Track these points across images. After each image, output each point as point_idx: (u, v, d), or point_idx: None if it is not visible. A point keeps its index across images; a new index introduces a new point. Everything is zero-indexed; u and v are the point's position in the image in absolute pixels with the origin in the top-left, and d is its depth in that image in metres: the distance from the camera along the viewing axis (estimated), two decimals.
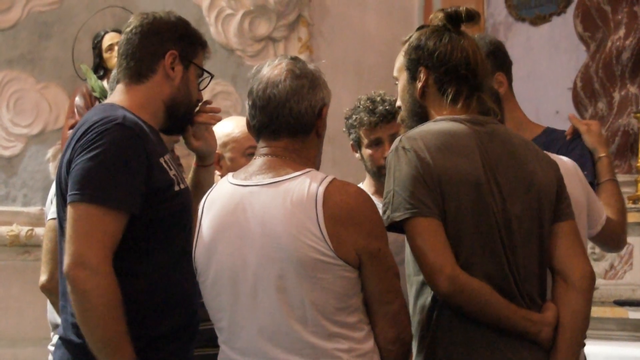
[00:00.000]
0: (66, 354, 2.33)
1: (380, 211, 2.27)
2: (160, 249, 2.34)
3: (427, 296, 2.29)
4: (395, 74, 2.48)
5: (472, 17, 2.40)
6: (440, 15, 2.42)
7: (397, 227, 2.27)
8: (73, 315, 2.26)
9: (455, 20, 2.39)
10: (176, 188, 2.37)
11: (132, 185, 2.27)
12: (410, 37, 2.43)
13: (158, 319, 2.33)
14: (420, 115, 2.41)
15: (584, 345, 2.40)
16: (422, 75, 2.39)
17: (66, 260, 2.23)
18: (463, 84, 2.36)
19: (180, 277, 2.32)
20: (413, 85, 2.41)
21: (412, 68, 2.40)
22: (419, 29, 2.44)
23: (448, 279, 2.21)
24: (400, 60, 2.45)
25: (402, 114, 2.47)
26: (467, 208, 2.26)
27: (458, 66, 2.35)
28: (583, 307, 2.33)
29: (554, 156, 2.67)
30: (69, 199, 2.27)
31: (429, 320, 2.29)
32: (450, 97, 2.36)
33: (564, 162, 2.75)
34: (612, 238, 2.99)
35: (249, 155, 2.94)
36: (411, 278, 2.33)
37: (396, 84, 2.48)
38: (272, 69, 2.27)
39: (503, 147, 2.35)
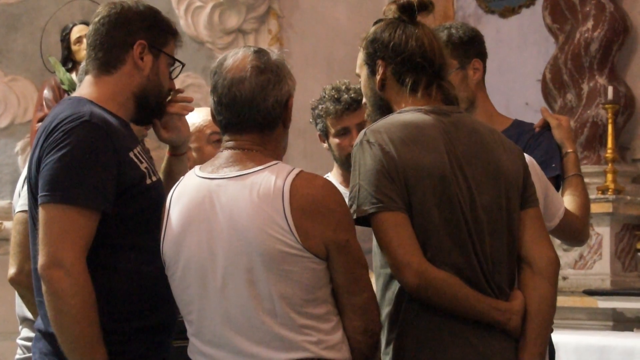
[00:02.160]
0: (47, 346, 2.32)
1: (347, 203, 2.27)
2: (136, 243, 2.33)
3: (395, 289, 2.30)
4: (357, 70, 2.49)
5: (425, 6, 2.40)
6: (394, 7, 2.42)
7: (363, 220, 2.28)
8: None
9: (408, 10, 2.39)
10: (148, 181, 2.36)
11: (102, 183, 2.26)
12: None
13: (136, 313, 2.32)
14: (382, 108, 2.42)
15: (551, 331, 2.42)
16: (380, 68, 2.39)
17: (40, 260, 2.22)
18: (421, 73, 2.36)
19: (157, 270, 2.31)
20: (373, 79, 2.41)
21: (370, 62, 2.41)
22: (375, 23, 2.45)
23: (415, 273, 2.22)
24: (359, 56, 2.46)
25: (368, 109, 2.47)
26: (432, 200, 2.26)
27: (413, 55, 2.35)
28: (549, 293, 2.34)
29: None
30: (40, 199, 2.26)
31: (397, 313, 2.29)
32: (409, 87, 2.36)
33: None
34: (571, 231, 3.02)
35: (215, 142, 2.94)
36: (378, 270, 2.33)
37: (360, 81, 2.49)
38: (235, 62, 2.25)
39: (469, 137, 2.35)
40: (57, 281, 2.19)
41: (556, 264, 2.37)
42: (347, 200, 2.29)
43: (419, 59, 2.35)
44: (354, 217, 2.26)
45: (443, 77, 2.40)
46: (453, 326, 2.26)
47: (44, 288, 2.22)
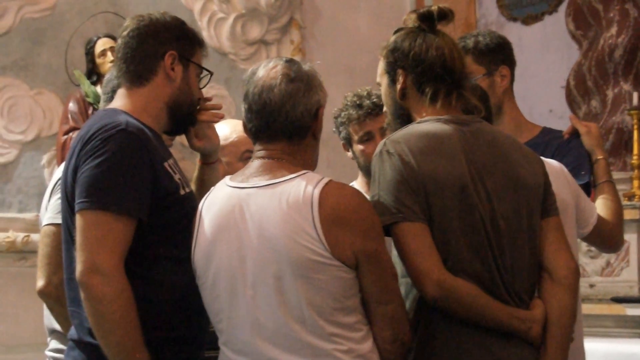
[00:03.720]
0: (81, 355, 2.33)
1: None
2: (169, 253, 2.34)
3: (415, 298, 2.30)
4: (377, 79, 2.50)
5: (445, 15, 2.40)
6: (414, 16, 2.43)
7: (384, 231, 2.27)
8: (88, 319, 2.26)
9: (428, 19, 2.40)
10: (182, 192, 2.37)
11: (139, 191, 2.28)
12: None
13: (169, 323, 2.33)
14: (403, 117, 2.42)
15: (572, 340, 2.41)
16: (400, 78, 2.40)
17: (79, 267, 2.24)
18: (440, 83, 2.37)
19: (190, 281, 2.32)
20: (393, 88, 2.42)
21: (391, 71, 2.42)
22: (395, 32, 2.45)
23: (435, 283, 2.22)
24: (380, 65, 2.47)
25: (388, 117, 2.48)
26: (452, 210, 2.26)
27: (433, 65, 2.36)
28: (569, 303, 2.34)
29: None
30: (77, 207, 2.28)
31: (417, 322, 2.29)
32: (429, 96, 2.37)
33: (550, 164, 2.77)
34: (605, 238, 3.01)
35: (246, 159, 2.94)
36: (399, 280, 2.33)
37: (380, 89, 2.50)
38: (267, 71, 2.27)
39: (488, 146, 2.35)
40: (96, 287, 2.21)
41: (576, 273, 2.38)
42: None
43: (439, 68, 2.36)
44: None
45: (463, 86, 2.41)
46: (473, 335, 2.26)
47: (83, 295, 2.24)
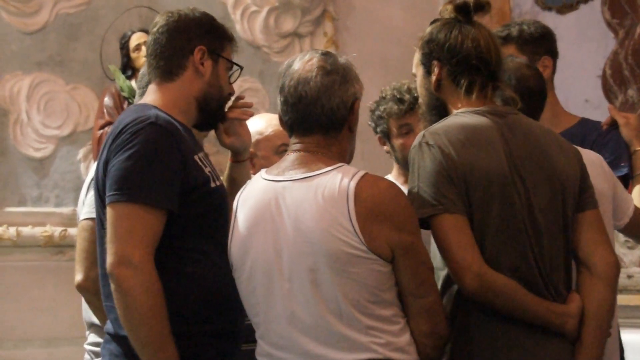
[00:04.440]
0: (117, 348, 2.35)
1: None
2: (200, 246, 2.35)
3: (452, 291, 2.30)
4: (413, 70, 2.49)
5: (482, 6, 2.39)
6: (450, 7, 2.42)
7: (422, 223, 2.27)
8: None
9: (464, 10, 2.39)
10: (212, 185, 2.38)
11: (170, 183, 2.29)
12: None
13: (200, 317, 2.34)
14: (438, 108, 2.42)
15: (609, 335, 2.40)
16: (435, 69, 2.39)
17: (109, 259, 2.25)
18: (476, 74, 2.36)
19: (222, 274, 2.33)
20: (428, 80, 2.42)
21: (426, 62, 2.41)
22: (431, 23, 2.45)
23: (475, 276, 2.21)
24: (416, 56, 2.46)
25: (422, 108, 2.48)
26: (492, 203, 2.25)
27: (469, 56, 2.35)
28: (608, 297, 2.33)
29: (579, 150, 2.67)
30: (108, 199, 2.30)
31: (454, 315, 2.29)
32: (464, 88, 2.36)
33: (588, 155, 2.75)
34: None
35: (282, 152, 2.94)
36: (437, 272, 2.33)
37: (415, 81, 2.49)
38: (303, 64, 2.27)
39: (525, 138, 2.34)
40: (125, 279, 2.22)
41: (616, 268, 2.36)
42: None
43: (475, 60, 2.35)
44: None
45: (498, 77, 2.39)
46: (509, 330, 2.25)
47: (112, 286, 2.25)
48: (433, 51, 2.39)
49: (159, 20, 2.49)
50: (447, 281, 2.31)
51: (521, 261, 2.26)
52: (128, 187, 2.27)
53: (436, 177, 2.25)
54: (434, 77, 2.40)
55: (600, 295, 2.32)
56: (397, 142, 3.17)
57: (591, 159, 2.74)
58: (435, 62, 2.39)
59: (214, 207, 2.36)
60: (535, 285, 2.27)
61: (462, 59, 2.36)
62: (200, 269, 2.35)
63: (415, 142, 2.32)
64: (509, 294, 2.23)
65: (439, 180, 2.25)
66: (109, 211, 2.29)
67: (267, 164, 2.85)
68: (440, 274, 2.32)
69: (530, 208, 2.28)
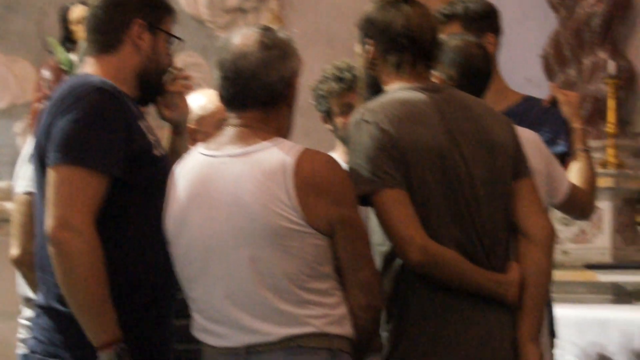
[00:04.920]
0: (49, 322, 2.33)
1: None
2: (142, 215, 2.33)
3: (394, 266, 2.31)
4: (356, 49, 2.51)
5: None
6: None
7: (362, 200, 2.28)
8: (57, 285, 2.25)
9: None
10: (155, 152, 2.37)
11: (112, 147, 2.27)
12: None
13: (140, 286, 2.33)
14: (373, 86, 2.44)
15: (548, 300, 2.45)
16: (369, 47, 2.42)
17: (49, 222, 2.22)
18: (405, 52, 2.38)
19: (162, 241, 2.31)
20: (364, 58, 2.44)
21: (362, 40, 2.44)
22: (374, 3, 2.47)
23: (419, 249, 2.23)
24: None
25: (359, 86, 2.51)
26: (432, 177, 2.28)
27: (398, 35, 2.38)
28: (545, 263, 2.37)
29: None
30: (49, 161, 2.26)
31: (397, 290, 2.31)
32: (393, 65, 2.39)
33: (524, 133, 2.79)
34: (577, 206, 3.04)
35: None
36: (375, 248, 2.34)
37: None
38: (242, 39, 2.25)
39: (462, 112, 2.37)
40: (66, 243, 2.20)
41: (552, 233, 2.41)
42: None
43: (403, 39, 2.38)
44: None
45: (432, 56, 2.42)
46: (452, 301, 2.28)
47: (52, 250, 2.22)
48: (368, 30, 2.43)
49: None
50: (387, 257, 2.33)
51: (462, 234, 2.29)
52: (71, 149, 2.24)
53: (374, 153, 2.26)
54: (368, 56, 2.42)
55: (537, 261, 2.36)
56: (339, 120, 3.19)
57: (527, 137, 2.78)
58: (369, 41, 2.42)
59: (157, 174, 2.34)
60: (477, 256, 2.30)
61: (392, 37, 2.39)
62: (140, 236, 2.33)
63: (353, 119, 2.33)
64: (452, 266, 2.26)
65: (377, 156, 2.26)
66: (50, 173, 2.26)
67: (209, 140, 2.83)
68: (379, 250, 2.33)
69: (471, 180, 2.32)
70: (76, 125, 2.25)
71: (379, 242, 2.33)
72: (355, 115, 2.33)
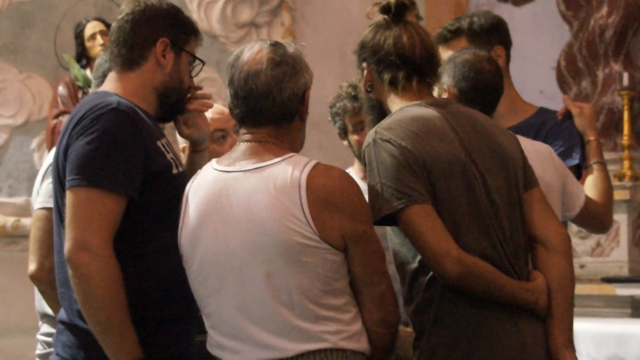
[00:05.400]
0: (71, 338, 2.34)
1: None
2: (160, 232, 2.34)
3: (423, 282, 2.30)
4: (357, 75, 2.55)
5: (404, 5, 2.42)
6: (375, 9, 2.46)
7: (387, 219, 2.28)
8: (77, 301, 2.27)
9: (388, 11, 2.43)
10: (174, 171, 2.39)
11: (130, 168, 2.29)
12: None
13: (160, 303, 2.34)
14: (374, 108, 2.47)
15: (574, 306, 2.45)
16: (365, 70, 2.45)
17: (67, 244, 2.24)
18: (396, 70, 2.40)
19: (179, 260, 2.32)
20: (363, 81, 2.47)
21: (359, 65, 2.47)
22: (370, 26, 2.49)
23: (456, 262, 2.23)
24: None
25: (363, 108, 2.54)
26: (457, 190, 2.29)
27: (388, 53, 2.39)
28: (568, 268, 2.38)
29: (527, 141, 2.71)
30: (67, 184, 2.29)
31: (429, 305, 2.30)
32: (390, 85, 2.40)
33: (537, 146, 2.80)
34: (593, 219, 3.03)
35: (220, 138, 2.97)
36: (403, 267, 2.34)
37: None
38: (252, 56, 2.26)
39: (470, 125, 2.39)
40: (84, 264, 2.22)
41: (568, 239, 2.42)
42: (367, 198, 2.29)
43: (393, 56, 2.39)
44: (380, 216, 2.27)
45: (427, 72, 2.42)
46: (485, 313, 2.29)
47: (70, 272, 2.24)
48: (362, 53, 2.45)
49: (125, 8, 2.48)
50: (415, 274, 2.32)
51: (490, 246, 2.30)
52: (88, 171, 2.26)
53: (397, 170, 2.26)
54: (365, 79, 2.45)
55: (560, 267, 2.36)
56: (353, 138, 3.23)
57: (540, 150, 2.79)
58: (364, 64, 2.45)
59: (176, 193, 2.35)
60: (503, 266, 2.30)
61: (383, 57, 2.40)
62: (158, 254, 2.34)
63: (368, 140, 2.33)
64: (487, 277, 2.27)
65: (400, 173, 2.26)
66: (68, 195, 2.28)
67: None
68: (407, 268, 2.33)
69: (488, 191, 2.32)
70: (92, 147, 2.27)
71: (405, 260, 2.33)
72: (369, 137, 2.33)
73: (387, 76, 2.40)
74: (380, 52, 2.40)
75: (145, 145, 2.32)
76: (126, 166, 2.28)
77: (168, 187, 2.36)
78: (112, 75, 2.47)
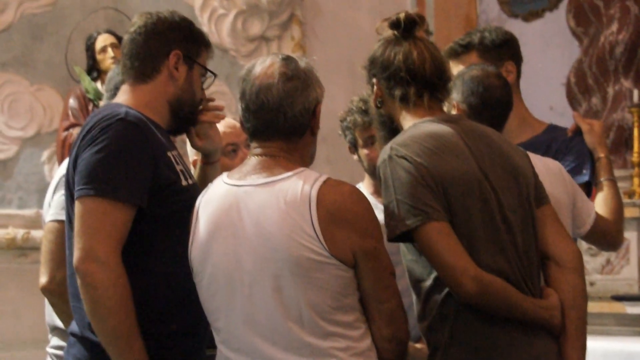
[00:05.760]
0: (82, 351, 2.35)
1: (378, 214, 2.26)
2: (170, 244, 2.35)
3: (437, 299, 2.30)
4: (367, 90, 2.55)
5: (414, 21, 2.42)
6: (385, 25, 2.46)
7: (403, 236, 2.27)
8: None
9: (398, 27, 2.43)
10: (184, 183, 2.39)
11: (138, 178, 2.30)
12: None
13: (168, 316, 2.34)
14: (385, 124, 2.46)
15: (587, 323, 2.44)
16: (375, 86, 2.44)
17: (75, 254, 2.26)
18: (407, 86, 2.39)
19: (189, 272, 2.32)
20: (373, 97, 2.47)
21: (369, 80, 2.47)
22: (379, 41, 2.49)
23: (473, 279, 2.22)
24: None
25: (374, 124, 2.54)
26: (473, 207, 2.28)
27: (398, 69, 2.39)
28: (581, 286, 2.38)
29: (537, 157, 2.70)
30: (76, 194, 2.30)
31: (444, 323, 2.29)
32: (401, 101, 2.40)
33: (547, 163, 2.79)
34: (603, 237, 3.02)
35: (231, 152, 2.97)
36: (417, 285, 2.33)
37: None
38: (264, 70, 2.26)
39: (483, 141, 2.38)
40: (92, 274, 2.22)
41: (581, 256, 2.41)
42: (378, 208, 2.29)
43: (403, 72, 2.38)
44: (397, 233, 2.26)
45: (438, 88, 2.41)
46: (501, 330, 2.27)
47: (79, 282, 2.25)
48: (371, 69, 2.45)
49: (137, 21, 2.49)
50: (430, 291, 2.31)
51: (505, 263, 2.29)
52: (96, 181, 2.27)
53: (413, 187, 2.25)
54: (376, 95, 2.44)
55: (573, 284, 2.36)
56: (363, 152, 3.23)
57: (550, 167, 2.78)
58: (374, 80, 2.44)
59: (185, 205, 2.36)
60: (518, 283, 2.30)
61: (393, 73, 2.40)
62: (167, 267, 2.35)
63: (383, 156, 2.33)
64: (503, 295, 2.26)
65: (416, 190, 2.25)
66: (77, 206, 2.29)
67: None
68: (422, 285, 2.32)
69: (501, 208, 2.32)
70: (100, 156, 2.28)
71: (420, 277, 2.32)
72: (385, 152, 2.33)
73: (398, 92, 2.39)
74: (391, 68, 2.40)
75: (154, 155, 2.33)
76: (133, 176, 2.29)
77: (177, 199, 2.36)
78: (124, 88, 2.48)
